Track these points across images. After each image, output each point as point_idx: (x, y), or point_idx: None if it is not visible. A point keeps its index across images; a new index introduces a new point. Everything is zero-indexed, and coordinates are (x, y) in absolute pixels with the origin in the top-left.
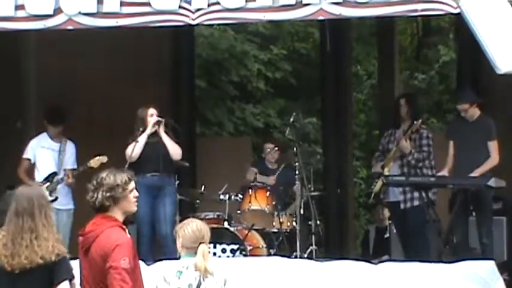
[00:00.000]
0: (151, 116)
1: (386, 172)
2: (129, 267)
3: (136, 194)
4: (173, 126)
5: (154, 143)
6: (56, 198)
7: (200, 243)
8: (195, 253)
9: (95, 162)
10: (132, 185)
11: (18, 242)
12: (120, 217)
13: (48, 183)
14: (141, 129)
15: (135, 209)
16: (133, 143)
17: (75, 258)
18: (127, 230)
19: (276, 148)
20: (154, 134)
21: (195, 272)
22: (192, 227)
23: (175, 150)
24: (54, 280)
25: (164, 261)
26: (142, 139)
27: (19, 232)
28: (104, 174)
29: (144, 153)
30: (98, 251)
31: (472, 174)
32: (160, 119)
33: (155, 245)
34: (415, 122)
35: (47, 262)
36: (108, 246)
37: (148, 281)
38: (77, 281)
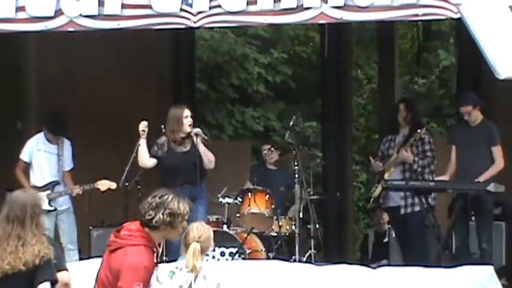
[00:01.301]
0: (186, 117)
1: (386, 177)
2: None
3: (186, 224)
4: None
5: (184, 154)
6: (55, 209)
7: (196, 242)
8: None
9: (103, 185)
10: (187, 216)
11: (3, 247)
12: (158, 239)
13: (49, 191)
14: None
15: (177, 239)
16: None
17: (85, 258)
18: (156, 254)
19: (273, 149)
20: (184, 143)
21: (187, 273)
22: (193, 227)
23: (210, 160)
24: (36, 280)
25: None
26: (144, 144)
27: (6, 238)
28: (169, 197)
29: (174, 165)
30: (116, 265)
31: (479, 179)
32: (199, 130)
33: None
34: (418, 131)
35: (29, 268)
36: (124, 265)
37: None
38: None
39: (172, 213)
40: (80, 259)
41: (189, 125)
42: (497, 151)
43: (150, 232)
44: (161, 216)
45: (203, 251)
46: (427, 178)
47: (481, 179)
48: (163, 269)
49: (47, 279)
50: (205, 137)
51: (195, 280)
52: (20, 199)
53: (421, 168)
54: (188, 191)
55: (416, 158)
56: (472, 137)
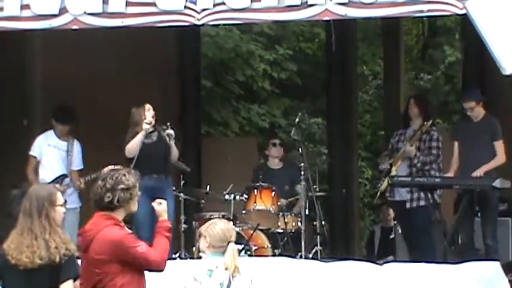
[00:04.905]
0: (149, 110)
1: (393, 172)
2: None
3: (139, 193)
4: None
5: (151, 144)
6: (65, 201)
7: (228, 242)
8: (223, 252)
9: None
10: (138, 184)
11: (20, 241)
12: (121, 216)
13: (57, 185)
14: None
15: (136, 208)
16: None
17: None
18: (126, 228)
19: (281, 144)
20: (151, 134)
21: (225, 271)
22: (220, 227)
23: (175, 154)
24: (59, 279)
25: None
26: (140, 135)
27: (22, 231)
28: (119, 175)
29: (141, 154)
30: (98, 250)
31: (477, 172)
32: (171, 132)
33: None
34: (425, 123)
35: (46, 263)
36: (110, 242)
37: (153, 277)
38: None
39: (128, 188)
40: None
41: (152, 116)
42: (500, 146)
43: (110, 213)
44: (121, 194)
45: None
46: (433, 175)
47: (480, 171)
48: (199, 268)
49: (69, 277)
50: (177, 140)
51: (233, 277)
52: (35, 193)
53: (421, 165)
54: (154, 181)
55: (418, 153)
56: (475, 132)
